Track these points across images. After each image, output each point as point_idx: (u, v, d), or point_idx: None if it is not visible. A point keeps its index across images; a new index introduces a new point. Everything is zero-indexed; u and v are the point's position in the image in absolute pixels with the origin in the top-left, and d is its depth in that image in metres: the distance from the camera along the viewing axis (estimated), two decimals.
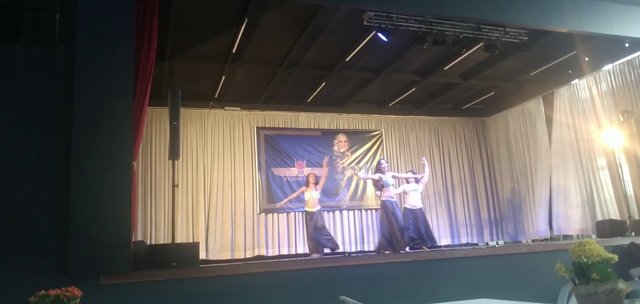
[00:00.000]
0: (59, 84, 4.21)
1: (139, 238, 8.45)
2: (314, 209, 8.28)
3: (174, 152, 5.82)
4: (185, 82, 8.61)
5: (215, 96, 9.71)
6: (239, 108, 10.34)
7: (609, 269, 1.53)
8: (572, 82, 9.64)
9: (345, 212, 10.63)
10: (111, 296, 3.91)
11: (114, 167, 4.19)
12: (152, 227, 9.22)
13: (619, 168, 8.77)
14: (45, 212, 4.01)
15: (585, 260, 1.55)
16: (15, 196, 3.96)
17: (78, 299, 1.51)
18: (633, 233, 7.31)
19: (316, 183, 8.42)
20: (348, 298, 2.28)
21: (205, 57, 8.18)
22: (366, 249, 10.44)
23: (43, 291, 1.48)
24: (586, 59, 8.77)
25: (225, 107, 10.21)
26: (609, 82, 8.95)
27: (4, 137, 4.03)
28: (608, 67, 8.92)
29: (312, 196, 8.32)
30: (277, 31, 7.48)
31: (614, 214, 8.63)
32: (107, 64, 4.34)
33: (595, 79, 9.18)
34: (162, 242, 8.77)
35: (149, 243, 8.50)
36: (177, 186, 6.02)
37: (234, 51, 7.74)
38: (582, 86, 9.52)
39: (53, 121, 4.17)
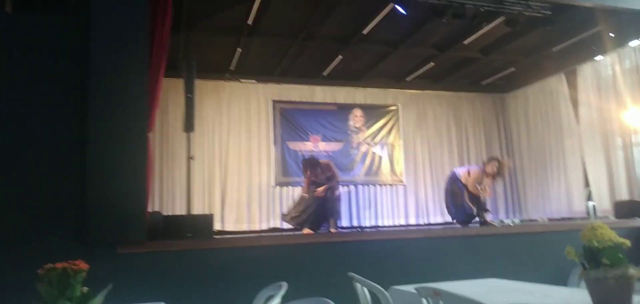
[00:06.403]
0: (74, 53, 4.22)
1: (156, 209, 8.58)
2: None
3: (188, 125, 5.83)
4: (201, 54, 8.60)
5: (231, 68, 9.69)
6: (255, 81, 10.33)
7: (620, 255, 1.49)
8: (596, 59, 9.38)
9: (360, 187, 10.64)
10: (127, 265, 3.99)
11: (129, 137, 4.21)
12: (169, 198, 9.36)
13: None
14: (62, 181, 4.07)
15: (596, 244, 1.51)
16: (32, 164, 4.02)
17: (84, 273, 1.52)
18: None
19: None
20: (355, 275, 2.29)
21: (221, 28, 8.13)
22: (380, 224, 10.46)
23: (50, 264, 1.50)
24: (611, 34, 8.49)
25: (241, 80, 10.20)
26: (634, 59, 8.68)
27: (19, 107, 4.08)
28: (633, 43, 8.64)
29: None
30: (293, 2, 7.39)
31: (634, 195, 8.46)
32: (123, 33, 4.33)
33: (619, 56, 8.92)
34: (178, 213, 8.89)
35: (165, 213, 8.64)
36: (193, 158, 6.05)
37: (250, 22, 7.69)
38: (605, 63, 9.26)
39: (68, 90, 4.20)
